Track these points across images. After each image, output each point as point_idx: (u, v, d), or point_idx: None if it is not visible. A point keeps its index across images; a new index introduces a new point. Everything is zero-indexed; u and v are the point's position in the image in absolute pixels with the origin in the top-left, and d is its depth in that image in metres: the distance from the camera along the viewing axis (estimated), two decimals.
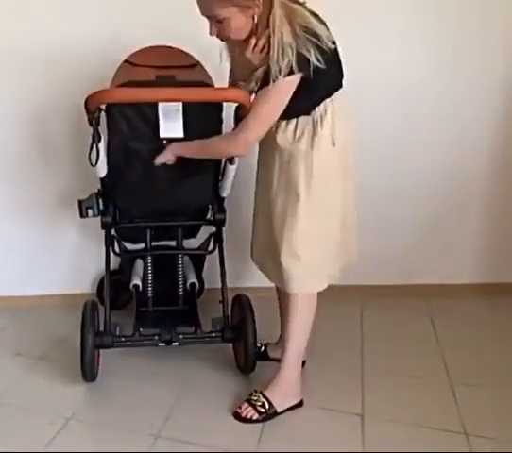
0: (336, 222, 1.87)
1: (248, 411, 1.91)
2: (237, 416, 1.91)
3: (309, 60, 1.61)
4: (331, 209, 1.85)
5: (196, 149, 1.84)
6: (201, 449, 1.77)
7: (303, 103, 1.72)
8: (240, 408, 1.93)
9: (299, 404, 1.96)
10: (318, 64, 1.62)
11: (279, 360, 1.99)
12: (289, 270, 1.85)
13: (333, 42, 1.67)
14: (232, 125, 1.96)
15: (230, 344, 2.17)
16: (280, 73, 1.62)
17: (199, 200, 2.12)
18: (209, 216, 2.22)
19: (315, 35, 1.61)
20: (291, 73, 1.62)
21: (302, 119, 1.76)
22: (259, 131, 1.75)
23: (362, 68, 2.33)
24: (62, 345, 2.30)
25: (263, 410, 1.90)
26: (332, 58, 1.69)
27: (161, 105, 1.82)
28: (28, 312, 2.56)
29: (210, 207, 2.19)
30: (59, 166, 2.51)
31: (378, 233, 2.64)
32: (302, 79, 1.65)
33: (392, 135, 2.55)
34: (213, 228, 2.18)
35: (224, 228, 2.16)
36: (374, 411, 1.95)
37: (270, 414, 1.91)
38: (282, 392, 1.94)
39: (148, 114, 1.83)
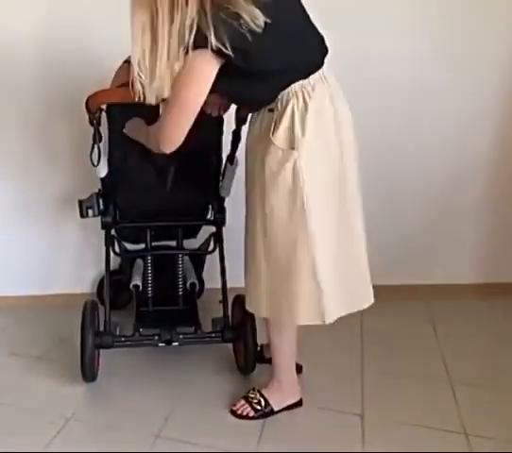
0: (309, 254, 1.65)
1: (244, 408, 1.92)
2: (233, 413, 1.92)
3: (207, 39, 1.40)
4: (297, 238, 1.64)
5: (137, 134, 1.78)
6: (201, 449, 1.76)
7: (249, 92, 1.59)
8: (236, 404, 1.94)
9: (299, 403, 1.96)
10: (220, 46, 1.40)
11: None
12: (248, 289, 1.82)
13: (266, 26, 1.43)
14: (232, 124, 1.96)
15: (230, 345, 2.17)
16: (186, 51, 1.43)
17: (200, 200, 2.12)
18: (209, 216, 2.22)
19: (235, 16, 1.41)
20: (195, 48, 1.43)
21: (267, 116, 1.63)
22: (175, 125, 1.55)
23: (364, 68, 2.34)
24: (62, 345, 2.30)
25: (259, 407, 1.91)
26: (261, 42, 1.44)
27: (161, 104, 1.82)
28: (28, 312, 2.56)
29: (210, 207, 2.19)
30: (59, 166, 2.51)
31: (378, 234, 2.64)
32: (223, 65, 1.47)
33: (392, 136, 2.54)
34: (214, 228, 2.18)
35: (224, 228, 2.16)
36: (374, 411, 1.95)
37: (267, 412, 1.91)
38: (279, 391, 1.94)
39: (149, 114, 1.83)
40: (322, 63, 1.63)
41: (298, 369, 2.05)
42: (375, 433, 1.85)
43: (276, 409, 1.92)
